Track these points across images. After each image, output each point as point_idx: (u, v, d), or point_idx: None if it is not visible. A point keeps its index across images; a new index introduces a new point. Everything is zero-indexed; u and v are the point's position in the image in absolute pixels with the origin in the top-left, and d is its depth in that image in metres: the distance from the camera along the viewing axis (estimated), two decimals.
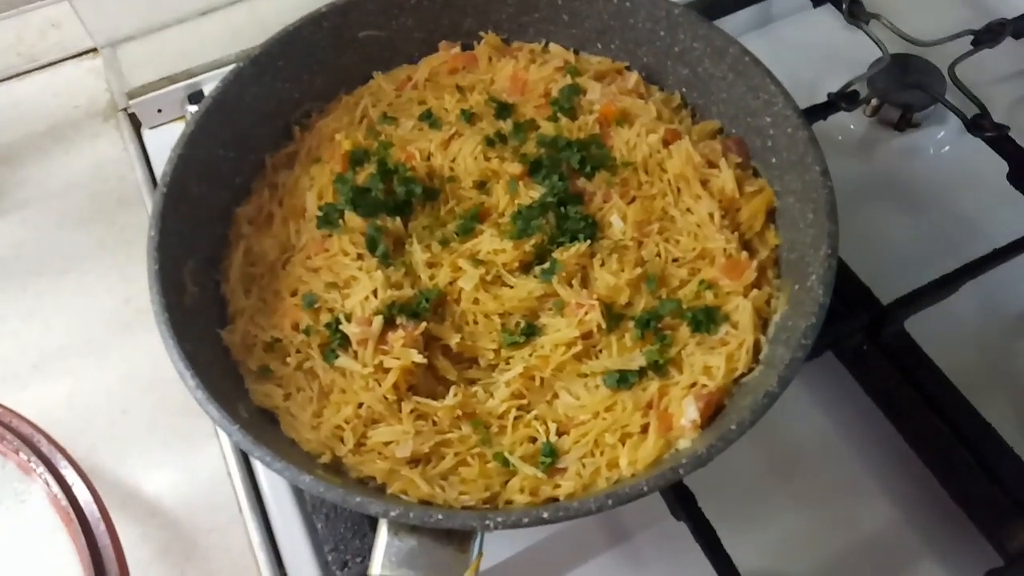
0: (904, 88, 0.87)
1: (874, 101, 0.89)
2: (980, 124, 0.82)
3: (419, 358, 0.60)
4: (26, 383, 0.71)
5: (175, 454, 0.68)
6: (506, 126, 0.74)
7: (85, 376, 0.72)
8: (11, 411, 0.55)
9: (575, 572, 0.65)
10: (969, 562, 0.62)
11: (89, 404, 0.70)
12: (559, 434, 0.60)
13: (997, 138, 0.81)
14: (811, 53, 0.96)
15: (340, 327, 0.62)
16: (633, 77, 0.76)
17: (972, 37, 0.88)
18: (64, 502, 0.51)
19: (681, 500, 0.62)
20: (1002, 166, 0.82)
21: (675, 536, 0.64)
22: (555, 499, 0.56)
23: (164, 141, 0.89)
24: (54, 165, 0.87)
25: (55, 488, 0.51)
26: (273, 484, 0.67)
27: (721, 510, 0.62)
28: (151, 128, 0.90)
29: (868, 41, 0.90)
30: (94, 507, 0.52)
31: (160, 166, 0.86)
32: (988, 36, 0.88)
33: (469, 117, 0.74)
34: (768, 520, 0.66)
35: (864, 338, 0.71)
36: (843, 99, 0.85)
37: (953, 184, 0.86)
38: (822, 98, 0.84)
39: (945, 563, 0.63)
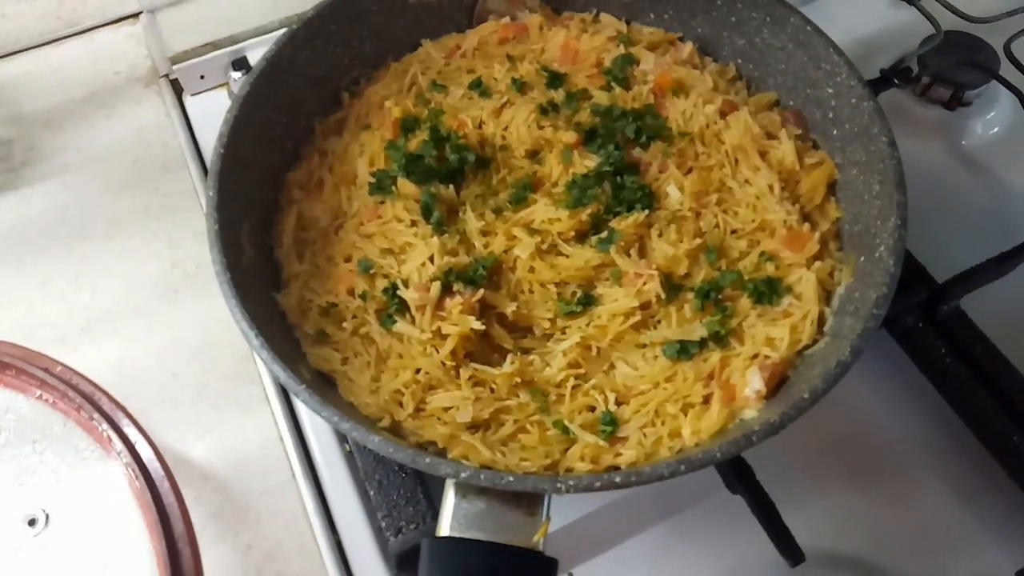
0: (957, 66, 0.86)
1: (924, 79, 0.87)
2: None
3: (477, 325, 0.60)
4: (74, 346, 0.71)
5: (226, 419, 0.67)
6: (558, 96, 0.73)
7: (134, 340, 0.71)
8: (72, 370, 0.55)
9: (627, 545, 0.64)
10: None
11: (138, 368, 0.70)
12: (618, 404, 0.59)
13: None
14: (858, 31, 0.95)
15: (398, 293, 0.61)
16: (687, 48, 0.75)
17: None
18: (128, 459, 0.51)
19: (739, 472, 0.61)
20: None
21: (726, 510, 0.63)
22: (616, 467, 0.56)
23: (207, 108, 0.88)
24: (95, 131, 0.86)
25: (119, 445, 0.51)
26: (325, 450, 0.66)
27: (775, 482, 0.62)
28: (193, 95, 0.89)
29: (916, 19, 0.89)
30: (157, 464, 0.51)
31: (203, 133, 0.86)
32: None
33: (520, 86, 0.73)
34: (821, 496, 0.66)
35: (919, 316, 0.70)
36: (896, 75, 0.83)
37: (1004, 164, 0.85)
38: (870, 76, 0.83)
39: (1002, 543, 0.63)
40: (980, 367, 0.67)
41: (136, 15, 0.94)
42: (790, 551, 0.58)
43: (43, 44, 0.92)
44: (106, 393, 0.54)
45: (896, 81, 0.83)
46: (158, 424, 0.66)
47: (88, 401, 0.53)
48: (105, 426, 0.52)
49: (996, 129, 0.88)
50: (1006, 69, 0.84)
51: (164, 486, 0.50)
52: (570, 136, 0.69)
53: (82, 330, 0.72)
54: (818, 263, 0.62)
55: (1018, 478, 0.64)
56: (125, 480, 0.51)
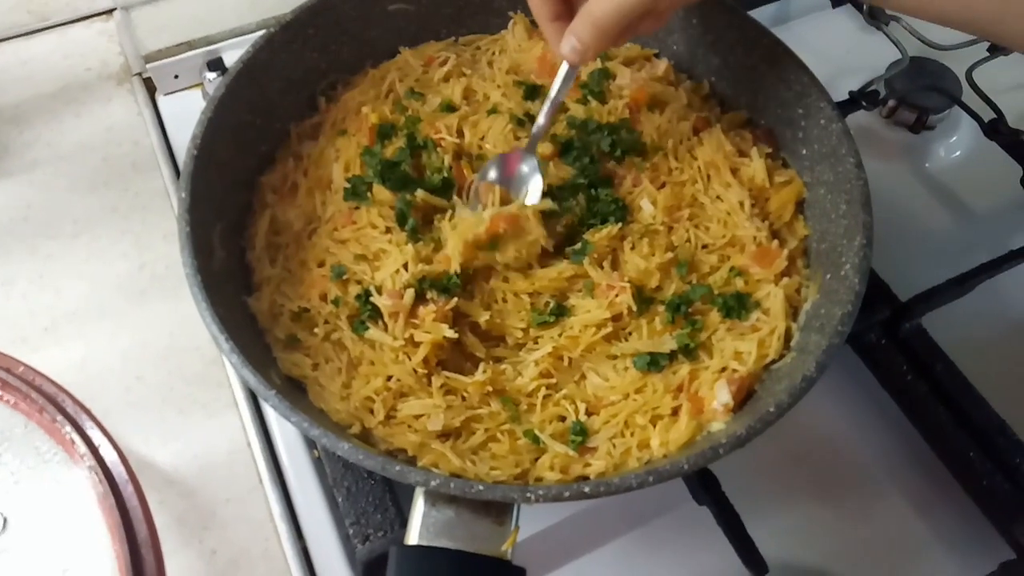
0: (922, 90, 0.89)
1: (891, 102, 0.90)
2: (996, 128, 0.83)
3: (450, 333, 0.60)
4: (37, 346, 0.70)
5: (192, 423, 0.66)
6: (535, 107, 0.73)
7: (98, 341, 0.70)
8: (34, 370, 0.54)
9: (594, 555, 0.65)
10: (982, 555, 0.63)
11: (103, 370, 0.68)
12: (588, 414, 0.60)
13: (1012, 143, 0.83)
14: (828, 53, 0.96)
15: (371, 299, 0.61)
16: (663, 64, 0.76)
17: (988, 43, 0.90)
18: (91, 462, 0.50)
19: (705, 484, 0.62)
20: (1013, 171, 0.84)
21: (692, 521, 0.64)
22: (585, 478, 0.56)
23: (180, 108, 0.87)
24: (64, 127, 0.84)
25: (82, 448, 0.50)
26: (293, 456, 0.66)
27: (740, 494, 0.63)
28: (167, 94, 0.88)
29: (884, 44, 0.92)
30: (121, 468, 0.51)
31: (176, 133, 0.85)
32: None
33: (494, 110, 0.73)
34: (784, 508, 0.67)
35: (882, 333, 0.72)
36: (864, 98, 0.86)
37: (965, 186, 0.88)
38: (839, 97, 0.85)
39: (958, 556, 0.65)
40: (939, 384, 0.69)
41: (110, 11, 0.92)
42: (754, 562, 0.59)
43: (12, 37, 0.91)
44: (69, 395, 0.53)
45: (864, 103, 0.85)
46: (122, 427, 0.65)
47: (51, 402, 0.52)
48: (68, 428, 0.51)
49: (958, 153, 0.90)
50: (968, 95, 0.87)
51: (128, 490, 0.49)
52: (546, 148, 0.69)
53: (45, 330, 0.71)
54: (786, 279, 0.63)
55: (973, 492, 0.65)
56: (88, 483, 0.50)
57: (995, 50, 0.89)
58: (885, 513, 0.67)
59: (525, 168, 0.66)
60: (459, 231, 0.62)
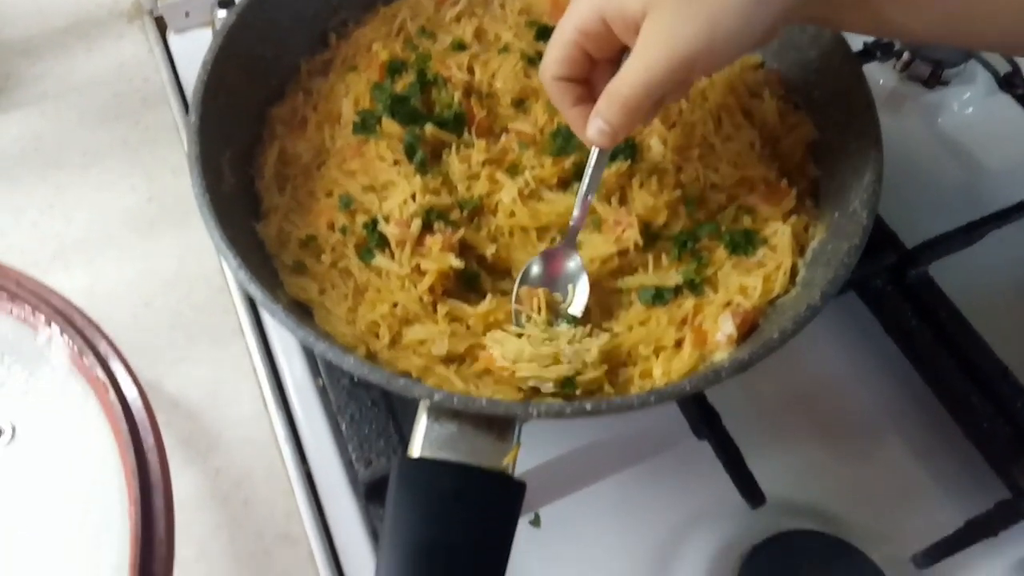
0: None
1: (906, 55, 0.89)
2: (1012, 81, 0.83)
3: (456, 262, 0.60)
4: (46, 271, 0.70)
5: (199, 349, 0.67)
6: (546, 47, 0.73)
7: (107, 269, 0.71)
8: (43, 285, 0.54)
9: (594, 489, 0.65)
10: (978, 495, 0.63)
11: (111, 296, 0.69)
12: None
13: None
14: None
15: (378, 228, 0.62)
16: None
17: None
18: (100, 372, 0.50)
19: (706, 418, 0.62)
20: None
21: (693, 457, 0.65)
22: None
23: (191, 45, 0.87)
24: (76, 61, 0.84)
25: (90, 358, 0.51)
26: (298, 384, 0.66)
27: (740, 432, 0.63)
28: (177, 32, 0.88)
29: None
30: (129, 381, 0.51)
31: (186, 70, 0.85)
32: None
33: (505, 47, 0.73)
34: (784, 448, 0.67)
35: (888, 279, 0.72)
36: (879, 48, 0.85)
37: (977, 141, 0.87)
38: (854, 48, 0.84)
39: (954, 496, 0.65)
40: (944, 330, 0.69)
41: None
42: (752, 494, 0.59)
43: None
44: (78, 309, 0.54)
45: (879, 54, 0.85)
46: (129, 351, 0.65)
47: (60, 315, 0.52)
48: (79, 341, 0.51)
49: (971, 109, 0.89)
50: None
51: (137, 404, 0.50)
52: None
53: (54, 257, 0.71)
54: (794, 217, 0.63)
55: (974, 435, 0.65)
56: (91, 390, 0.50)
57: None
58: (884, 455, 0.67)
59: (570, 265, 0.61)
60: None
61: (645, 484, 0.65)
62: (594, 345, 0.57)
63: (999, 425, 0.65)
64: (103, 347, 0.52)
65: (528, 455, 0.64)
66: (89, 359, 0.51)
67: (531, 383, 0.56)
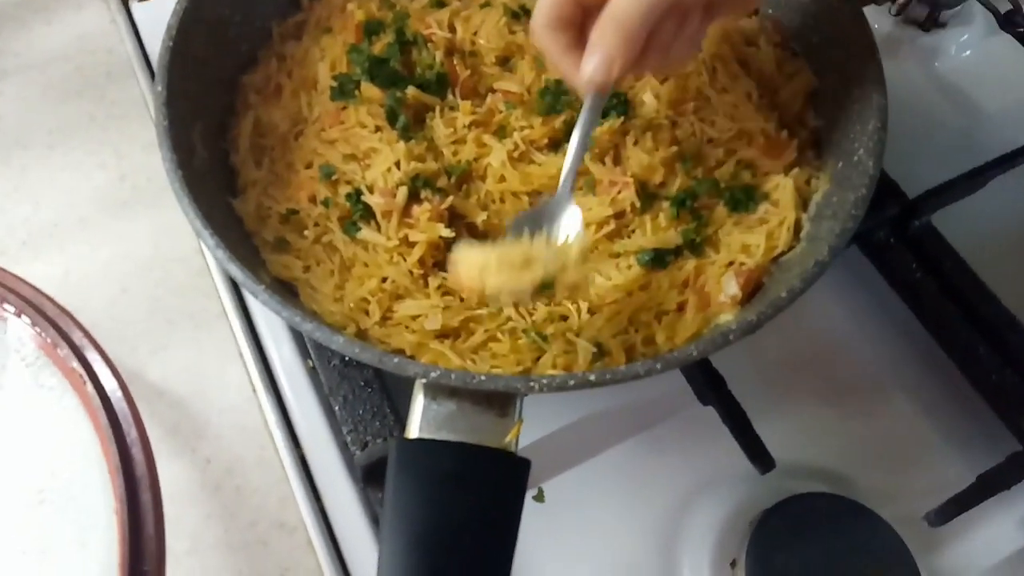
0: None
1: None
2: (1013, 20, 0.80)
3: (447, 232, 0.57)
4: (16, 259, 0.67)
5: (181, 334, 0.64)
6: (530, 1, 0.69)
7: (80, 254, 0.67)
8: (11, 274, 0.51)
9: (599, 458, 0.64)
10: (989, 449, 0.62)
11: (86, 283, 0.66)
12: (590, 312, 0.58)
13: None
14: None
15: (362, 199, 0.59)
16: None
17: None
18: (76, 364, 0.48)
19: (711, 383, 0.60)
20: None
21: (698, 423, 0.63)
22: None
23: (156, 14, 0.83)
24: (33, 36, 0.80)
25: (65, 350, 0.48)
26: (287, 366, 0.64)
27: (746, 397, 0.61)
28: (141, 1, 0.83)
29: None
30: (107, 372, 0.48)
31: (152, 41, 0.81)
32: None
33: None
34: (791, 410, 0.66)
35: (891, 231, 0.70)
36: None
37: (976, 85, 0.84)
38: None
39: (965, 451, 0.64)
40: (949, 281, 0.67)
41: None
42: (761, 459, 0.58)
43: None
44: (50, 298, 0.51)
45: None
46: (108, 340, 0.62)
47: (31, 306, 0.49)
48: (51, 332, 0.48)
49: (969, 52, 0.87)
50: None
51: (116, 394, 0.47)
52: None
53: (23, 244, 0.68)
54: (796, 170, 0.61)
55: (982, 387, 0.64)
56: (71, 386, 0.48)
57: None
58: (892, 412, 0.66)
59: (564, 219, 0.54)
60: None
61: (650, 453, 0.64)
62: (575, 245, 0.51)
63: (1007, 376, 0.63)
64: (78, 337, 0.49)
65: (529, 428, 0.61)
66: (64, 351, 0.48)
67: (504, 300, 0.50)
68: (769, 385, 0.67)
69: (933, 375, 0.67)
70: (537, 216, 0.54)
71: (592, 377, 0.46)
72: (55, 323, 0.50)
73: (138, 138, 0.74)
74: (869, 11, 0.82)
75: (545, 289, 0.50)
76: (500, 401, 0.47)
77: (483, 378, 0.46)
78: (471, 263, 0.50)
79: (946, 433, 0.65)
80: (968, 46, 0.87)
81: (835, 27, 0.62)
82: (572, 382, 0.46)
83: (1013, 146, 0.74)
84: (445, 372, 0.46)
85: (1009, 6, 0.80)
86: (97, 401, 0.47)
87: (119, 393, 0.48)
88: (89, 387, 0.47)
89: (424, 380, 0.46)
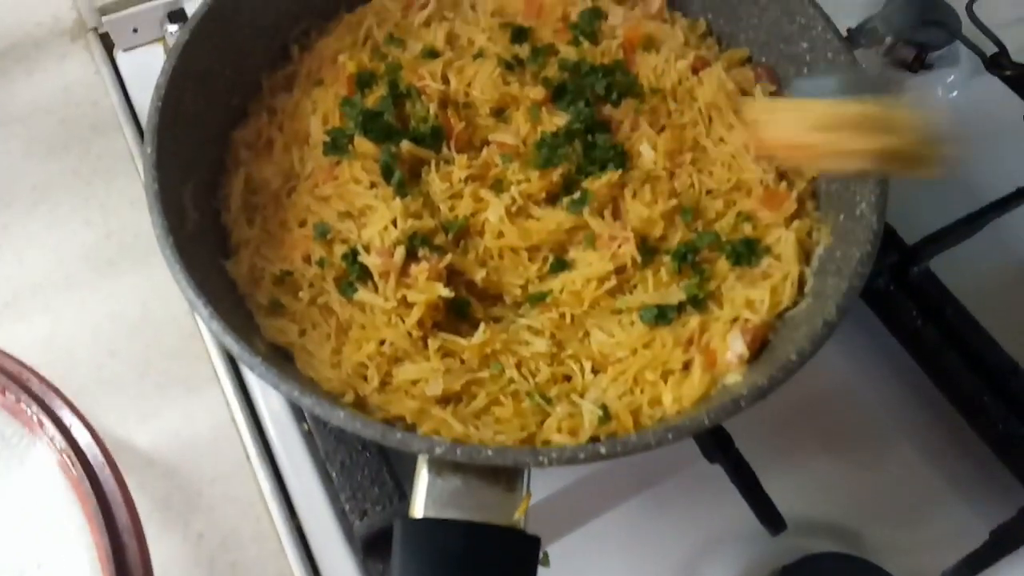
0: (921, 26, 0.85)
1: (888, 39, 0.86)
2: (1000, 63, 0.80)
3: (446, 292, 0.56)
4: None
5: (171, 399, 0.62)
6: (523, 51, 0.69)
7: (66, 316, 0.65)
8: None
9: (603, 519, 0.62)
10: (1000, 502, 0.61)
11: (73, 346, 0.64)
12: (594, 372, 0.57)
13: (1016, 77, 0.80)
14: None
15: (359, 259, 0.57)
16: (656, 2, 0.72)
17: None
18: (62, 444, 0.46)
19: (718, 441, 0.59)
20: (1012, 108, 0.81)
21: (704, 480, 0.62)
22: (596, 439, 0.53)
23: (141, 64, 0.82)
24: (16, 88, 0.78)
25: (51, 430, 0.46)
26: (281, 430, 0.62)
27: (752, 450, 0.60)
28: (125, 50, 0.82)
29: None
30: (96, 449, 0.47)
31: (137, 92, 0.80)
32: None
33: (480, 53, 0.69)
34: (797, 463, 0.65)
35: (890, 278, 0.69)
36: (863, 35, 0.82)
37: (966, 125, 0.84)
38: None
39: (976, 503, 0.63)
40: (950, 328, 0.67)
41: None
42: (772, 521, 0.56)
43: None
44: (35, 372, 0.49)
45: (863, 41, 0.82)
46: (96, 407, 0.61)
47: (14, 381, 0.47)
48: (35, 408, 0.46)
49: (956, 92, 0.87)
50: (968, 29, 0.84)
51: (104, 473, 0.45)
52: (538, 92, 0.65)
53: (6, 306, 0.66)
54: (796, 222, 0.60)
55: (988, 438, 0.64)
56: (59, 468, 0.46)
57: None
58: (901, 463, 0.65)
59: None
60: None
61: (656, 512, 0.62)
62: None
63: (1013, 425, 0.63)
64: (65, 415, 0.47)
65: (533, 489, 0.61)
66: (50, 429, 0.46)
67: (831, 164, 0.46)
68: (774, 437, 0.66)
69: (939, 424, 0.66)
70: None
71: (603, 450, 0.45)
72: (40, 400, 0.48)
73: (125, 193, 0.72)
74: (858, 53, 0.83)
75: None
76: (507, 475, 0.46)
77: (490, 453, 0.44)
78: (789, 118, 0.45)
79: (955, 484, 0.64)
80: (955, 87, 0.87)
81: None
82: (582, 455, 0.45)
83: (1004, 186, 0.74)
84: (451, 447, 0.44)
85: (995, 49, 0.81)
86: (87, 485, 0.45)
87: (107, 471, 0.46)
88: (76, 469, 0.45)
89: (428, 456, 0.45)
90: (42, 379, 0.49)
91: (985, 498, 0.63)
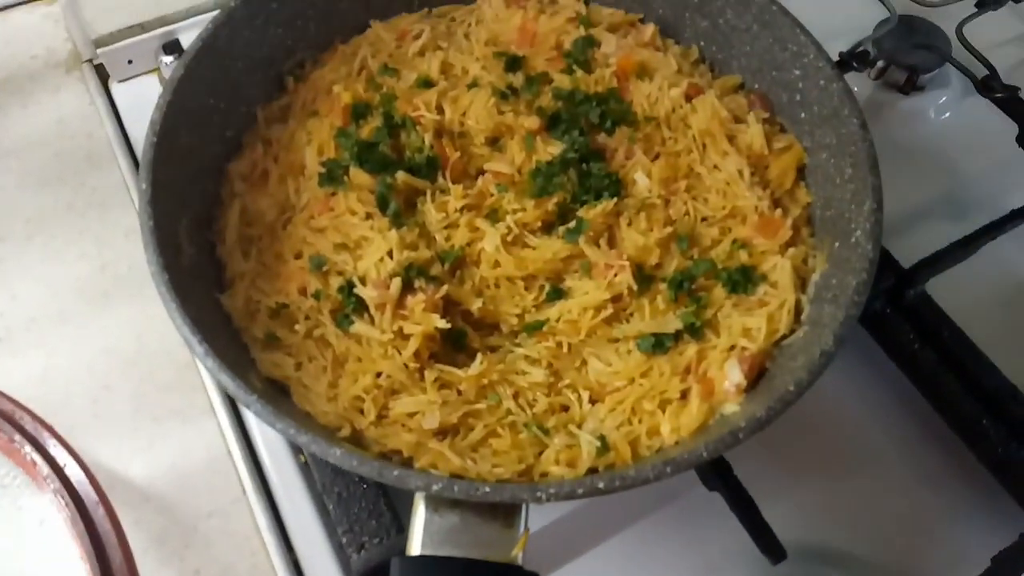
0: (912, 49, 0.86)
1: (880, 63, 0.87)
2: (990, 85, 0.81)
3: (442, 323, 0.56)
4: None
5: (167, 433, 0.62)
6: (517, 80, 0.69)
7: (61, 350, 0.65)
8: None
9: (601, 548, 0.62)
10: (1001, 526, 0.61)
11: (67, 381, 0.63)
12: (592, 402, 0.56)
13: (1007, 99, 0.80)
14: (813, 14, 0.93)
15: (355, 291, 0.57)
16: (649, 29, 0.72)
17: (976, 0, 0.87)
18: (56, 484, 0.45)
19: (717, 469, 0.59)
20: (1004, 129, 0.81)
21: (703, 507, 0.61)
22: (594, 470, 0.53)
23: (136, 95, 0.82)
24: (10, 120, 0.78)
25: (45, 469, 0.46)
26: (278, 463, 0.62)
27: (751, 476, 0.60)
28: (120, 81, 0.82)
29: (868, 4, 0.88)
30: (89, 488, 0.46)
31: (132, 123, 0.80)
32: None
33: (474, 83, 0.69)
34: (797, 486, 0.65)
35: (886, 302, 0.69)
36: (854, 59, 0.83)
37: (959, 147, 0.85)
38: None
39: (977, 528, 0.62)
40: (948, 351, 0.67)
41: None
42: (772, 549, 0.56)
43: None
44: (28, 411, 0.48)
45: (855, 65, 0.82)
46: (91, 441, 0.61)
47: (7, 421, 0.47)
48: (28, 448, 0.46)
49: (948, 113, 0.88)
50: (958, 52, 0.84)
51: (99, 512, 0.45)
52: (532, 121, 0.66)
53: (0, 341, 0.66)
54: (792, 249, 0.60)
55: (989, 462, 0.63)
56: (54, 508, 0.45)
57: (984, 6, 0.87)
58: (901, 488, 0.65)
59: None
60: None
61: (655, 540, 0.62)
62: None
63: (1013, 449, 0.62)
64: (59, 454, 0.47)
65: (531, 519, 0.60)
66: (43, 469, 0.46)
67: None
68: (773, 462, 0.65)
69: (939, 449, 0.66)
70: None
71: (601, 484, 0.45)
72: (33, 438, 0.47)
73: (120, 225, 0.72)
74: (850, 77, 0.84)
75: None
76: (505, 511, 0.45)
77: (488, 489, 0.44)
78: None
79: (956, 509, 0.64)
80: (947, 108, 0.88)
81: (823, 105, 0.63)
82: (580, 490, 0.45)
83: (997, 207, 0.74)
84: (448, 484, 0.44)
85: (985, 71, 0.81)
86: (80, 525, 0.44)
87: (101, 511, 0.46)
88: (70, 509, 0.45)
89: (425, 493, 0.44)
90: (35, 417, 0.48)
91: (986, 523, 0.62)
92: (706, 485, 0.61)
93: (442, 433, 0.54)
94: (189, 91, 0.61)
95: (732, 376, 0.54)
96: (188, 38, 0.82)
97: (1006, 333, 0.70)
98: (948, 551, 0.62)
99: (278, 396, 0.55)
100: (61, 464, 0.46)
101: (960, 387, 0.65)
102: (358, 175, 0.63)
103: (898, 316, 0.69)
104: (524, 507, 0.46)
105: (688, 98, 0.68)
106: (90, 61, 0.82)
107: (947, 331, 0.68)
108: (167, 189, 0.56)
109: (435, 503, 0.45)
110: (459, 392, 0.56)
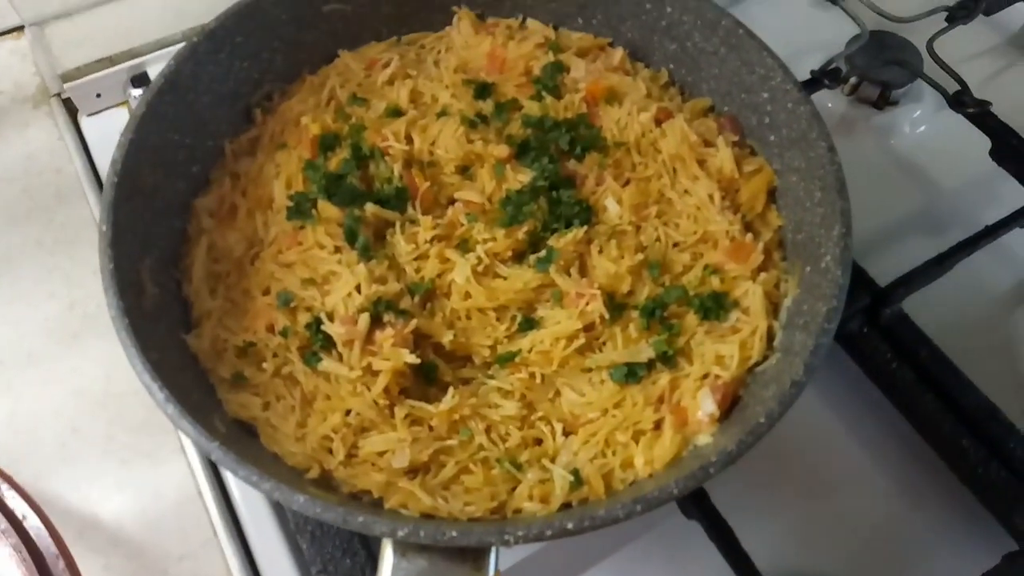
0: (883, 65, 0.86)
1: (852, 79, 0.87)
2: (962, 100, 0.81)
3: (411, 358, 0.55)
4: None
5: (136, 475, 0.61)
6: (487, 107, 0.69)
7: (27, 392, 0.64)
8: None
9: None
10: (984, 547, 0.60)
11: (34, 424, 0.62)
12: (565, 434, 0.56)
13: (979, 114, 0.80)
14: (784, 32, 0.92)
15: (322, 327, 0.56)
16: (618, 53, 0.72)
17: (946, 13, 0.87)
18: (14, 539, 0.44)
19: (694, 498, 0.58)
20: (979, 142, 0.81)
21: (682, 535, 0.61)
22: (567, 504, 0.52)
23: (105, 129, 0.81)
24: None
25: (2, 523, 0.45)
26: (250, 503, 0.61)
27: (729, 502, 0.59)
28: (89, 115, 0.82)
29: (841, 19, 0.88)
30: (49, 541, 0.45)
31: (101, 156, 0.79)
32: (962, 12, 0.87)
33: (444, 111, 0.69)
34: (775, 514, 0.64)
35: (863, 321, 0.69)
36: (826, 76, 0.83)
37: (934, 162, 0.85)
38: (800, 78, 0.82)
39: (959, 549, 0.62)
40: (926, 371, 0.66)
41: (20, 28, 0.85)
42: None
43: None
44: None
45: (827, 82, 0.82)
46: (58, 486, 0.60)
47: None
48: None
49: (923, 128, 0.88)
50: (929, 67, 0.84)
51: (58, 567, 0.44)
52: (502, 150, 0.65)
53: None
54: (763, 275, 0.60)
55: (970, 482, 0.63)
56: (12, 562, 0.44)
57: (954, 20, 0.87)
58: (882, 510, 0.64)
59: None
60: None
61: (632, 570, 0.61)
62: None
63: (994, 469, 0.62)
64: (18, 505, 0.46)
65: (505, 552, 0.59)
66: (2, 524, 0.45)
67: None
68: (751, 487, 0.65)
69: (920, 469, 0.66)
70: None
71: (570, 525, 0.44)
72: None
73: (89, 262, 0.70)
74: (823, 94, 0.84)
75: None
76: (474, 554, 0.45)
77: (454, 533, 0.43)
78: None
79: (939, 531, 0.64)
80: (921, 122, 0.88)
81: (791, 128, 0.63)
82: (549, 531, 0.44)
83: (972, 222, 0.74)
84: (414, 528, 0.43)
85: (957, 86, 0.82)
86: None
87: (61, 564, 0.45)
88: (28, 563, 0.44)
89: (392, 539, 0.44)
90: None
91: (969, 545, 0.62)
92: (684, 514, 0.60)
93: (413, 471, 0.53)
94: (152, 128, 0.60)
95: (705, 406, 0.54)
96: (157, 71, 0.80)
97: (984, 351, 0.70)
98: (932, 574, 0.61)
99: (245, 437, 0.54)
100: (20, 516, 0.45)
101: (939, 406, 0.65)
102: (326, 208, 0.62)
103: (875, 335, 0.69)
104: (494, 549, 0.45)
105: (658, 122, 0.67)
106: (58, 95, 0.82)
107: (925, 350, 0.67)
108: (130, 230, 0.56)
109: (403, 548, 0.45)
110: (431, 428, 0.55)
